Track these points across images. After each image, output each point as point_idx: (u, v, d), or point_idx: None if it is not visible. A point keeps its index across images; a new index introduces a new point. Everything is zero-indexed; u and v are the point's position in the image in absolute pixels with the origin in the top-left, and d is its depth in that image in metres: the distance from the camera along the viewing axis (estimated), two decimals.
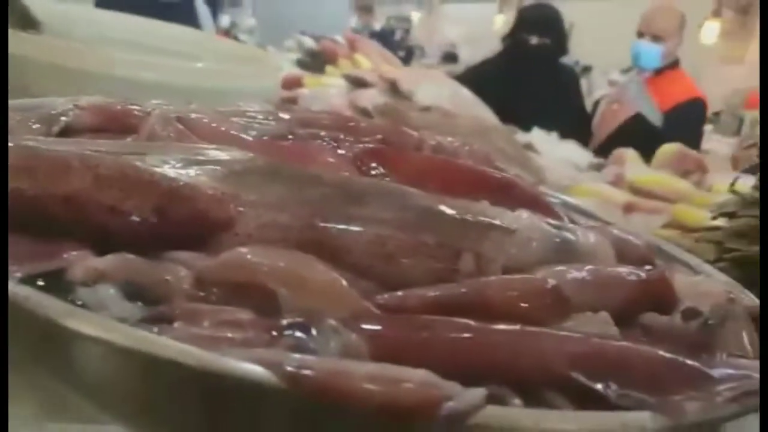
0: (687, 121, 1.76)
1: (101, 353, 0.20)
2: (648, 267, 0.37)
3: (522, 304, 0.28)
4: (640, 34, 1.83)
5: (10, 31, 0.71)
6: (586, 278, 0.31)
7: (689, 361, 0.25)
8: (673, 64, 1.84)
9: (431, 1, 6.75)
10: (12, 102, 0.41)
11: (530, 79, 1.85)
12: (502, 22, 5.27)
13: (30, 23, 0.87)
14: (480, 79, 1.81)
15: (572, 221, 0.42)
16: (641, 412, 0.22)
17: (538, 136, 1.22)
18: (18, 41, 0.68)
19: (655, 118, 1.77)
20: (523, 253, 0.33)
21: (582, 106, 2.13)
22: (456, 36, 4.75)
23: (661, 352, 0.24)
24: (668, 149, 1.01)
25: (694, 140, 1.65)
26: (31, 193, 0.26)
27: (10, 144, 0.28)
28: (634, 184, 0.88)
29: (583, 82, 2.86)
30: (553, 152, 1.15)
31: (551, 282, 0.29)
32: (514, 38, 1.98)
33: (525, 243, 0.33)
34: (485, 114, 1.07)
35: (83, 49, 0.70)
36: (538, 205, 0.38)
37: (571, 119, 1.93)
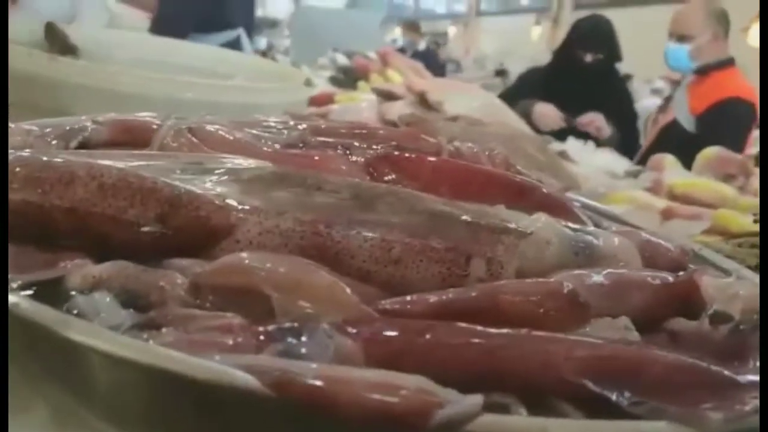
0: (721, 123, 1.61)
1: (91, 360, 0.20)
2: (681, 273, 0.35)
3: (536, 309, 0.26)
4: (669, 36, 1.75)
5: (48, 56, 0.74)
6: (605, 282, 0.30)
7: (713, 367, 0.23)
8: (721, 65, 1.69)
9: (467, 14, 6.75)
10: (37, 121, 0.42)
11: (582, 92, 1.82)
12: (538, 33, 5.23)
13: (68, 49, 0.90)
14: (530, 91, 1.81)
15: (599, 227, 0.40)
16: (658, 422, 0.20)
17: (572, 145, 1.19)
18: (56, 66, 0.71)
19: (689, 122, 1.68)
20: (540, 256, 0.32)
21: (634, 112, 2.07)
22: (493, 49, 4.74)
23: (682, 358, 0.23)
24: (708, 153, 0.97)
25: (732, 143, 1.53)
26: (38, 203, 0.27)
27: (19, 155, 0.28)
28: (673, 189, 0.85)
29: None
30: (589, 161, 1.13)
31: (567, 286, 0.27)
32: (566, 53, 1.94)
33: (542, 246, 0.32)
34: (516, 122, 1.05)
35: (119, 71, 0.72)
36: (558, 208, 0.37)
37: (625, 127, 1.88)
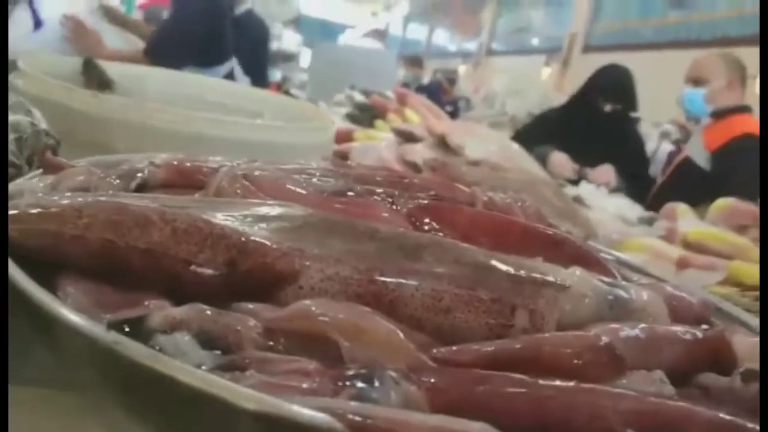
0: (736, 158, 1.63)
1: (184, 397, 0.21)
2: (704, 326, 0.37)
3: (576, 361, 0.28)
4: (686, 80, 1.82)
5: (90, 93, 0.77)
6: (639, 336, 0.32)
7: (750, 425, 0.24)
8: (737, 110, 1.74)
9: (478, 53, 6.87)
10: (95, 158, 0.45)
11: (597, 139, 1.87)
12: (548, 74, 5.32)
13: (105, 84, 0.94)
14: (545, 134, 1.86)
15: (625, 278, 0.42)
16: None
17: (586, 189, 1.22)
18: (95, 101, 0.74)
19: (703, 159, 1.72)
20: (577, 309, 0.33)
21: (646, 159, 2.12)
22: (502, 88, 4.82)
23: (722, 414, 0.24)
24: (722, 204, 0.99)
25: (746, 180, 1.55)
26: (117, 244, 0.29)
27: (101, 198, 0.31)
28: (687, 238, 0.87)
29: None
30: (602, 206, 1.15)
31: (604, 339, 0.29)
32: (585, 100, 2.00)
33: (578, 300, 0.34)
34: (533, 167, 1.08)
35: (155, 107, 0.75)
36: (590, 262, 0.39)
37: (637, 175, 1.91)
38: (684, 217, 0.98)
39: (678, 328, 0.34)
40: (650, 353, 0.31)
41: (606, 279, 0.36)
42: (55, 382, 0.37)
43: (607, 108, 1.93)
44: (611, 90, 1.96)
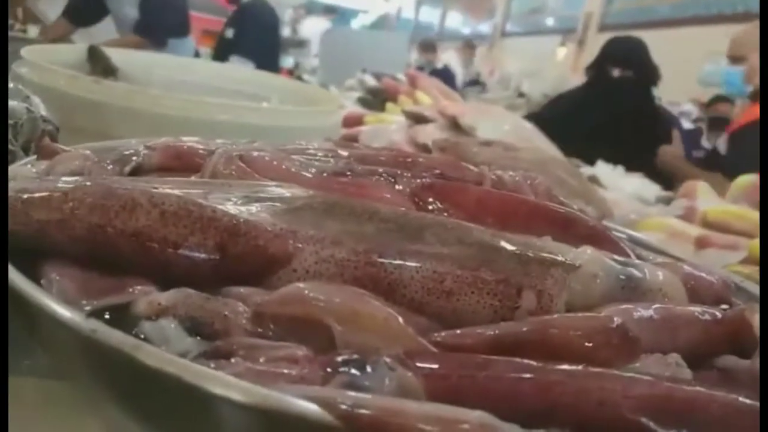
0: (741, 146, 1.54)
1: (163, 387, 0.20)
2: (724, 306, 0.35)
3: (586, 344, 0.26)
4: (728, 58, 1.73)
5: (93, 79, 0.77)
6: (654, 317, 0.30)
7: None
8: None
9: (492, 35, 6.78)
10: (90, 144, 0.44)
11: (612, 109, 1.84)
12: (564, 55, 5.23)
13: (110, 71, 0.93)
14: (565, 109, 1.83)
15: (640, 257, 0.40)
16: None
17: (603, 169, 1.19)
18: (100, 89, 0.73)
19: (723, 146, 1.67)
20: (588, 290, 0.32)
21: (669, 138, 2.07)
22: (517, 70, 4.75)
23: (741, 398, 0.23)
24: (744, 180, 0.96)
25: (743, 167, 1.48)
26: (103, 229, 0.28)
27: (88, 181, 0.29)
28: (707, 217, 0.84)
29: None
30: (619, 185, 1.12)
31: (617, 320, 0.28)
32: (597, 69, 1.99)
33: (589, 280, 0.32)
34: (547, 146, 1.05)
35: (159, 94, 0.74)
36: (602, 240, 0.37)
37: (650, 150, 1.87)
38: (703, 196, 0.95)
39: (695, 309, 0.32)
40: (665, 335, 0.30)
41: (619, 258, 0.34)
42: (54, 373, 0.36)
43: (616, 73, 1.90)
44: (618, 55, 1.96)
